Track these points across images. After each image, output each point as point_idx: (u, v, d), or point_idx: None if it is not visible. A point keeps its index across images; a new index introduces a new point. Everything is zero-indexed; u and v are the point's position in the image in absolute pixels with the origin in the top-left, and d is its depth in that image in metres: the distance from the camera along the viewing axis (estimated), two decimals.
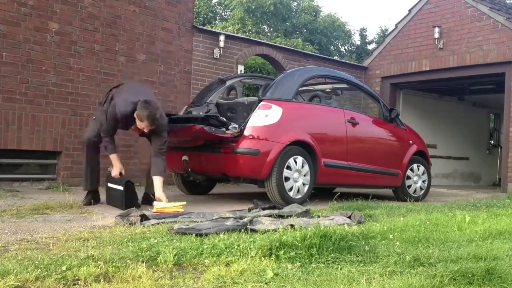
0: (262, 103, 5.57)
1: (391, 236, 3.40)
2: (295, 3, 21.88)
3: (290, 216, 4.25)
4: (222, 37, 8.69)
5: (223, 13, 22.84)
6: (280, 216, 4.32)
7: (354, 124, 6.37)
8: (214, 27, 17.22)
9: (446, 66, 9.99)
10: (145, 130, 4.78)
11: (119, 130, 5.11)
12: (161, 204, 4.57)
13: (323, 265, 2.63)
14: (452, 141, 12.80)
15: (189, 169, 5.71)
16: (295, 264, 2.59)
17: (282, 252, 2.72)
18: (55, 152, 6.71)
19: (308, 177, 5.67)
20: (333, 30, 21.14)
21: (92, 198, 5.00)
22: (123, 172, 5.01)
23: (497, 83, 10.28)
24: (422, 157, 7.24)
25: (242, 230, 3.36)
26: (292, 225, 3.53)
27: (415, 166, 7.07)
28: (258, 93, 6.09)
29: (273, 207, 4.77)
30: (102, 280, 2.28)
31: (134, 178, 5.15)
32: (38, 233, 3.31)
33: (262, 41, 10.48)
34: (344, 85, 7.16)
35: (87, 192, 5.07)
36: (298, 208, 4.58)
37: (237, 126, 5.43)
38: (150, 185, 4.99)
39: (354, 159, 6.28)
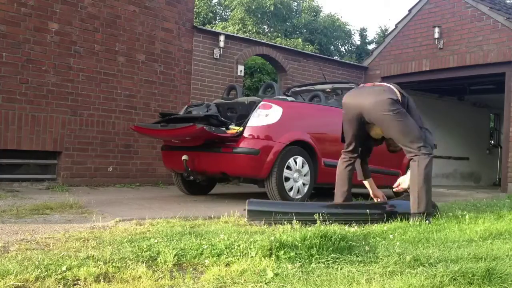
0: (262, 102, 5.57)
1: (391, 236, 3.40)
2: (295, 3, 21.88)
3: None
4: (222, 37, 8.69)
5: (223, 13, 22.84)
6: None
7: None
8: (214, 27, 17.22)
9: (446, 66, 9.99)
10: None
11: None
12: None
13: (323, 265, 2.63)
14: (452, 141, 12.79)
15: (189, 169, 5.71)
16: (295, 264, 2.59)
17: (282, 252, 2.71)
18: (55, 152, 6.71)
19: (308, 177, 5.67)
20: (333, 30, 21.13)
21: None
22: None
23: (497, 83, 10.28)
24: None
25: (243, 230, 3.36)
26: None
27: None
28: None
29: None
30: (102, 280, 2.28)
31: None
32: (38, 233, 3.31)
33: (262, 41, 10.48)
34: (345, 85, 7.16)
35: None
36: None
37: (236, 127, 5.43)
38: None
39: None
